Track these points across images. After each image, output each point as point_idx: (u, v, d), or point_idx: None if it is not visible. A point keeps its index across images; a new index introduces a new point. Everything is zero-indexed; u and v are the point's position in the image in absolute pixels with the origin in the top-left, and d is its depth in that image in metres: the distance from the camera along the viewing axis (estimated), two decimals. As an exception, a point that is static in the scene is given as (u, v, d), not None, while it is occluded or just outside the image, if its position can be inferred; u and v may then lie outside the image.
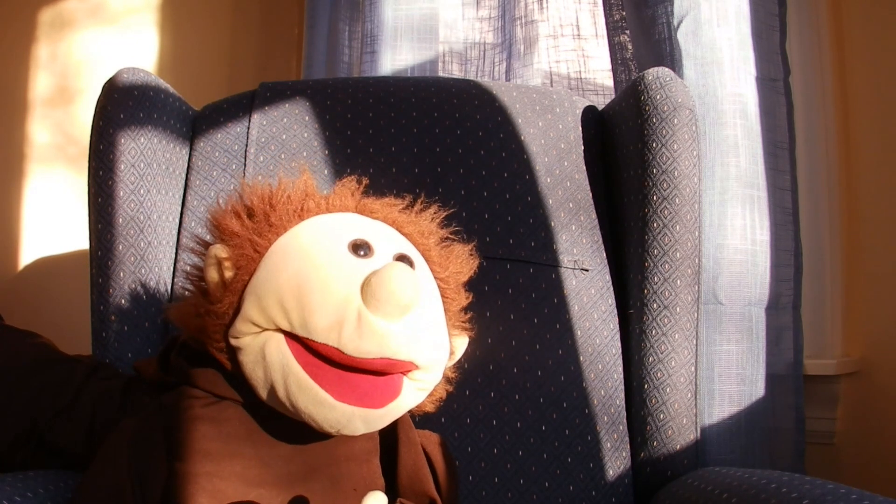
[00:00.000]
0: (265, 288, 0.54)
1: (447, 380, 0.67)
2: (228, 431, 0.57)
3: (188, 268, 0.65)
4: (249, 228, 0.58)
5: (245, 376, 0.56)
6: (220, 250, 0.58)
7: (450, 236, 0.68)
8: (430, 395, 0.64)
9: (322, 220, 0.60)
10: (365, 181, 0.67)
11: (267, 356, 0.54)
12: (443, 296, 0.63)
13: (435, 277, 0.63)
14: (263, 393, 0.56)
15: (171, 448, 0.56)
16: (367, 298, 0.52)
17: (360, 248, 0.56)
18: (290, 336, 0.54)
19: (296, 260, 0.55)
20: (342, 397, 0.53)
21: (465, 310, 0.67)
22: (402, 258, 0.59)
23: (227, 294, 0.57)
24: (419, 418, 0.70)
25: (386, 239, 0.60)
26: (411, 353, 0.55)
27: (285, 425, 0.57)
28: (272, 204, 0.59)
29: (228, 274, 0.57)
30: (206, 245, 0.61)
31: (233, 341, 0.56)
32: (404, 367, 0.56)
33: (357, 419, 0.54)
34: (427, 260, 0.63)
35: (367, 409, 0.54)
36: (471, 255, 0.68)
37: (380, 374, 0.55)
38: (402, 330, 0.54)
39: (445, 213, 0.69)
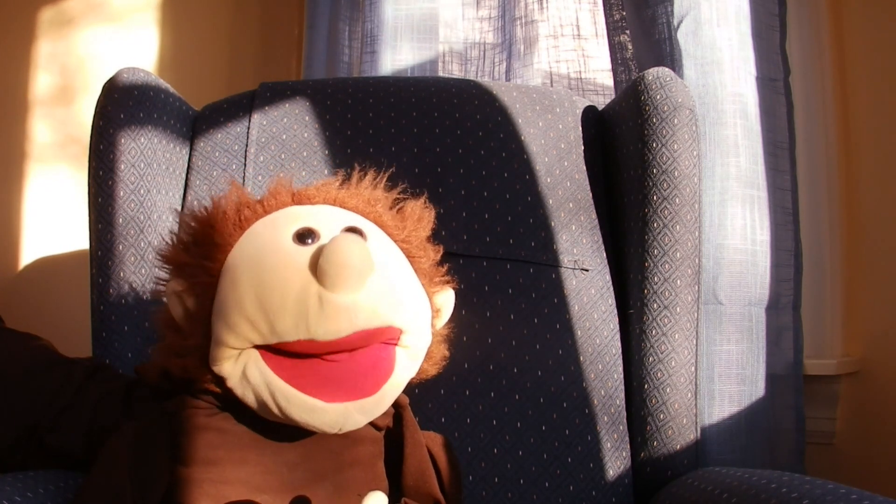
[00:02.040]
0: (227, 307, 0.53)
1: (444, 338, 0.66)
2: (233, 440, 0.57)
3: (157, 312, 0.64)
4: (197, 255, 0.58)
5: (238, 400, 0.56)
6: (175, 284, 0.57)
7: (399, 196, 0.67)
8: (429, 358, 0.63)
9: (263, 223, 0.59)
10: (291, 177, 0.65)
11: (250, 379, 0.54)
12: (409, 256, 0.62)
13: (395, 241, 0.62)
14: (260, 412, 0.56)
15: (175, 454, 0.56)
16: (320, 279, 0.51)
17: (304, 236, 0.55)
18: (265, 348, 0.53)
19: (247, 270, 0.54)
20: (332, 397, 0.53)
21: (440, 263, 0.66)
22: (350, 230, 0.58)
23: (196, 325, 0.56)
24: (420, 419, 0.69)
25: (330, 219, 0.59)
26: (385, 318, 0.54)
27: (289, 432, 0.57)
28: (212, 224, 0.59)
29: (190, 305, 0.57)
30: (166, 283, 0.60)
31: (215, 369, 0.55)
32: (385, 335, 0.55)
33: (353, 413, 0.54)
34: (381, 226, 0.62)
35: (360, 400, 0.54)
36: (425, 207, 0.67)
37: (363, 347, 0.54)
38: (366, 297, 0.52)
39: (386, 175, 0.67)
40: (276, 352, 0.53)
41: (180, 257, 0.59)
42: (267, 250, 0.55)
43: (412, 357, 0.59)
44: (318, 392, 0.53)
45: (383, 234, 0.62)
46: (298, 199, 0.62)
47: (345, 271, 0.51)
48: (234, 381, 0.55)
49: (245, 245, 0.57)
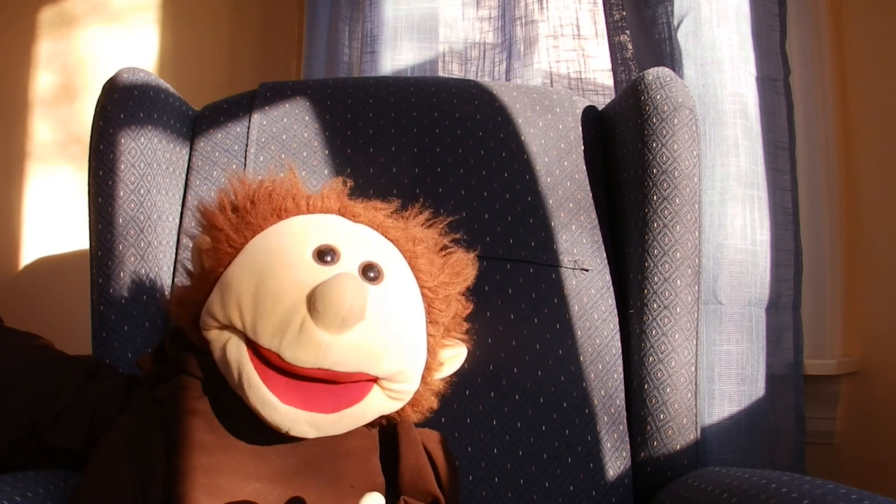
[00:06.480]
0: (229, 286, 0.56)
1: (436, 392, 0.66)
2: (222, 424, 0.57)
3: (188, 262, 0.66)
4: (229, 224, 0.59)
5: (221, 375, 0.58)
6: (203, 242, 0.60)
7: (449, 244, 0.66)
8: (414, 404, 0.63)
9: (298, 221, 0.59)
10: (350, 183, 0.65)
11: (227, 353, 0.55)
12: (428, 305, 0.62)
13: (421, 286, 0.61)
14: (232, 385, 0.57)
15: (168, 442, 0.56)
16: (310, 309, 0.52)
17: (324, 254, 0.56)
18: (245, 337, 0.55)
19: (259, 262, 0.56)
20: (288, 400, 0.54)
21: (465, 319, 0.66)
22: (367, 268, 0.57)
23: (203, 285, 0.58)
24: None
25: (358, 245, 0.59)
26: (354, 366, 0.54)
27: None
28: (253, 201, 0.60)
29: (207, 265, 0.59)
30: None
31: (203, 332, 0.58)
32: (355, 378, 0.55)
33: (302, 422, 0.54)
34: (413, 268, 0.62)
35: (313, 413, 0.54)
36: (472, 263, 0.66)
37: (332, 382, 0.55)
38: (345, 343, 0.53)
39: (445, 221, 0.66)
40: (250, 344, 0.55)
41: (216, 219, 0.60)
42: (284, 254, 0.56)
43: (392, 398, 0.59)
44: (278, 390, 0.54)
45: (410, 276, 0.61)
46: (344, 210, 0.62)
47: (331, 312, 0.51)
48: (215, 350, 0.57)
49: (270, 236, 0.58)
